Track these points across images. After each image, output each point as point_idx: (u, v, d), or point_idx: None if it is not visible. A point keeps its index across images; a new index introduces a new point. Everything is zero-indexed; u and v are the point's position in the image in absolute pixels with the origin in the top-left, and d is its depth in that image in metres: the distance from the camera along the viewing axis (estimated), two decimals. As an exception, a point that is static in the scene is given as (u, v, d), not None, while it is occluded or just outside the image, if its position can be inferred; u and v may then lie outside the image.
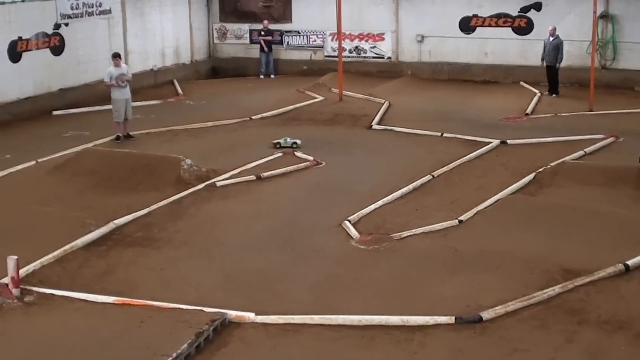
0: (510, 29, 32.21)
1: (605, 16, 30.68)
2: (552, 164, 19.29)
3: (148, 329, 11.37)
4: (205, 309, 11.93)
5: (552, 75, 29.22)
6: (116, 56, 23.48)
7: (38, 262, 13.73)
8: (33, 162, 20.31)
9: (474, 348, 11.03)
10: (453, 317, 11.67)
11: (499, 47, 32.30)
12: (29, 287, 12.78)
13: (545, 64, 29.35)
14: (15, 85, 25.79)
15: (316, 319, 11.84)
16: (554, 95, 29.06)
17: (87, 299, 12.54)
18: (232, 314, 11.88)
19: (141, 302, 12.32)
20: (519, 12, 31.93)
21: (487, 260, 13.91)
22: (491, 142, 21.96)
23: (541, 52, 29.42)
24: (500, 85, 31.54)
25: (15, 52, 25.79)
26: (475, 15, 32.56)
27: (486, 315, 11.77)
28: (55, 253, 14.16)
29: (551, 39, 28.98)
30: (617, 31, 30.82)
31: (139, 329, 11.38)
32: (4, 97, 25.43)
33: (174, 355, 10.54)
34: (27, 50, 26.22)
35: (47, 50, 27.13)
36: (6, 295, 12.44)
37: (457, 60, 32.96)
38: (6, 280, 12.62)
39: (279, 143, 21.38)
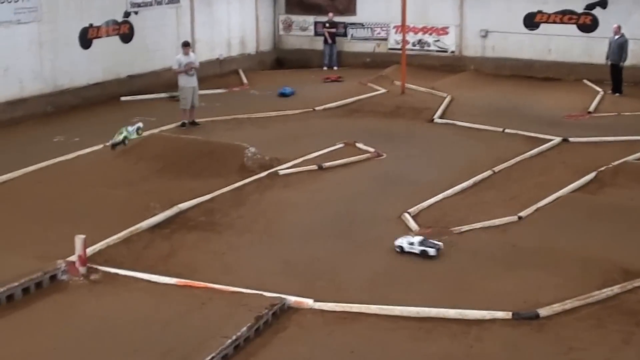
0: (575, 26, 31.85)
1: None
2: (614, 164, 19.04)
3: (209, 311, 11.54)
4: (265, 293, 12.06)
5: (615, 74, 28.84)
6: (185, 45, 23.79)
7: (104, 242, 13.98)
8: (101, 146, 20.54)
9: (530, 344, 11.02)
10: (510, 313, 11.66)
11: (562, 44, 31.95)
12: (95, 266, 13.03)
13: (609, 63, 29.05)
14: (86, 71, 26.15)
15: (373, 308, 11.90)
16: (617, 94, 28.65)
17: (151, 280, 12.77)
18: (291, 299, 12.01)
19: (203, 285, 12.49)
20: (584, 9, 31.57)
21: (546, 257, 13.84)
22: (553, 140, 21.75)
23: (606, 50, 29.05)
24: (563, 82, 31.06)
25: (86, 38, 26.22)
26: (540, 12, 32.28)
27: (543, 312, 11.74)
28: (121, 234, 14.41)
29: (616, 37, 28.58)
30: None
31: (200, 311, 11.55)
32: (75, 82, 25.80)
33: (234, 337, 10.69)
34: (97, 37, 26.66)
35: (117, 37, 27.54)
36: (73, 273, 12.73)
37: (520, 56, 32.69)
38: (74, 258, 12.87)
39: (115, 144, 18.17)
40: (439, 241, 14.38)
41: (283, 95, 28.41)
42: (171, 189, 17.17)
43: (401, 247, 14.17)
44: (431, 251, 13.97)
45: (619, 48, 28.47)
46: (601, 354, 10.73)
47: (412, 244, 14.10)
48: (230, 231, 15.21)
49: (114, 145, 15.62)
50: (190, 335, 10.77)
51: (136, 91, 27.60)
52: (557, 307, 11.89)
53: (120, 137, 17.15)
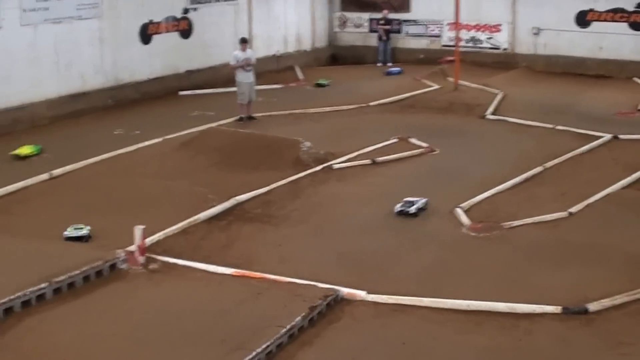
0: (626, 24, 31.57)
1: None
2: (664, 160, 18.94)
3: (264, 301, 11.67)
4: (319, 284, 12.19)
5: None
6: (243, 41, 24.04)
7: (163, 232, 14.20)
8: (160, 139, 20.83)
9: (579, 339, 11.05)
10: (560, 307, 11.66)
11: (614, 42, 31.65)
12: (153, 256, 13.26)
13: None
14: (145, 66, 26.53)
15: (425, 301, 11.97)
16: None
17: (208, 270, 12.94)
18: (345, 291, 12.12)
19: (258, 275, 12.63)
20: (635, 7, 31.31)
21: (595, 253, 13.85)
22: (603, 137, 21.63)
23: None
24: (613, 80, 30.80)
25: (146, 34, 26.60)
26: (591, 10, 32.04)
27: (592, 307, 11.72)
28: (179, 225, 14.62)
29: None
30: None
31: (256, 300, 11.69)
32: (135, 76, 26.19)
33: (289, 326, 10.82)
34: (157, 33, 27.00)
35: (176, 33, 27.86)
36: (132, 262, 12.95)
37: (571, 54, 32.42)
38: (133, 248, 13.10)
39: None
40: (490, 235, 14.72)
41: (390, 74, 30.34)
42: (228, 182, 17.36)
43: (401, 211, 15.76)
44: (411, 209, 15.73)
45: None
46: (650, 350, 10.67)
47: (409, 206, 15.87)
48: (285, 223, 15.39)
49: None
50: (246, 324, 10.90)
51: (194, 86, 27.90)
52: (606, 302, 11.87)
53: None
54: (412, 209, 15.89)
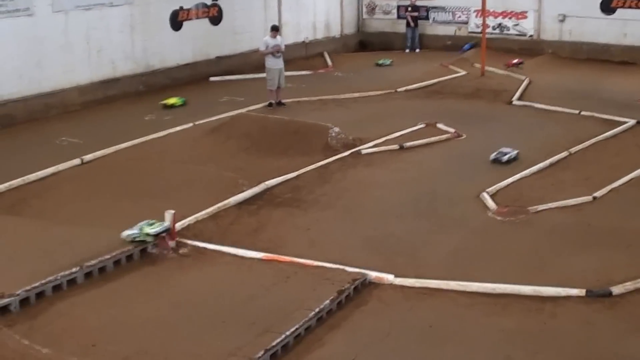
0: (650, 10, 31.63)
1: None
2: (688, 146, 18.93)
3: (293, 284, 11.80)
4: (347, 268, 12.30)
5: None
6: (274, 29, 24.08)
7: (193, 217, 14.31)
8: (190, 124, 20.99)
9: (603, 321, 11.10)
10: (584, 290, 11.73)
11: (638, 29, 31.56)
12: (184, 240, 13.37)
13: None
14: (176, 52, 26.71)
15: (452, 284, 12.07)
16: None
17: (238, 254, 13.06)
18: (373, 274, 12.24)
19: (288, 259, 12.75)
20: None
21: (619, 237, 13.92)
22: (627, 122, 21.67)
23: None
24: (638, 66, 30.70)
25: (176, 21, 26.77)
26: (615, -4, 32.25)
27: (616, 290, 11.80)
28: (209, 209, 14.74)
29: None
30: None
31: (285, 284, 11.83)
32: (165, 62, 26.39)
33: (317, 309, 10.96)
34: (187, 19, 27.17)
35: (206, 20, 28.01)
36: (163, 246, 13.05)
37: (596, 41, 32.38)
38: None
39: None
40: (515, 220, 14.83)
41: (464, 51, 31.33)
42: (258, 167, 17.49)
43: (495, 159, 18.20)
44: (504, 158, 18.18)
45: None
46: (672, 332, 10.72)
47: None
48: (314, 208, 15.51)
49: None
50: (275, 307, 11.03)
51: (225, 72, 28.05)
52: (629, 286, 11.94)
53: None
54: (504, 158, 18.10)
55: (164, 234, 13.05)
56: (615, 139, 20.49)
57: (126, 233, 12.89)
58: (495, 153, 18.35)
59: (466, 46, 32.78)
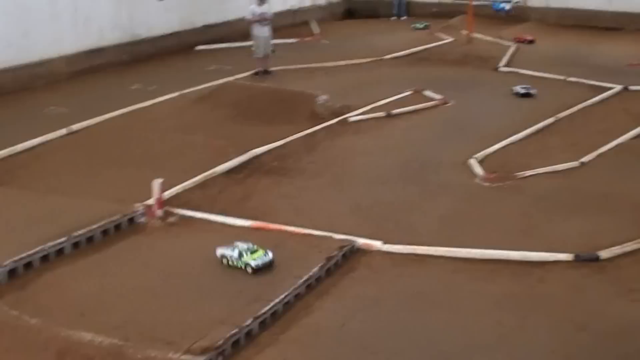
0: (639, -25, 31.57)
1: None
2: (674, 110, 18.99)
3: (282, 252, 11.70)
4: (335, 235, 12.29)
5: None
6: (260, -3, 24.08)
7: (180, 186, 14.25)
8: (177, 94, 20.85)
9: (591, 286, 11.17)
10: (572, 255, 11.81)
11: (624, -5, 31.70)
12: (171, 209, 13.35)
13: None
14: (162, 21, 26.46)
15: (440, 250, 12.12)
16: None
17: (226, 222, 13.04)
18: (361, 241, 12.25)
19: (276, 227, 12.73)
20: None
21: (607, 202, 14.00)
22: (614, 88, 21.74)
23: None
24: (625, 32, 30.63)
25: (162, -11, 26.53)
26: (603, -39, 32.16)
27: (604, 254, 11.88)
28: (197, 178, 14.70)
29: None
30: None
31: (273, 252, 11.66)
32: (151, 32, 26.14)
33: (306, 277, 10.99)
34: (174, -13, 26.89)
35: (191, -13, 27.77)
36: (151, 215, 13.09)
37: (583, 7, 32.27)
38: (151, 201, 13.23)
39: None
40: (503, 185, 14.94)
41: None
42: (245, 135, 17.42)
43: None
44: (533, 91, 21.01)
45: None
46: (660, 296, 10.80)
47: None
48: (302, 176, 15.49)
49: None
50: (264, 275, 11.06)
51: (211, 40, 27.83)
52: (617, 250, 12.02)
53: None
54: (522, 91, 20.81)
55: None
56: (602, 105, 20.54)
57: (222, 252, 11.55)
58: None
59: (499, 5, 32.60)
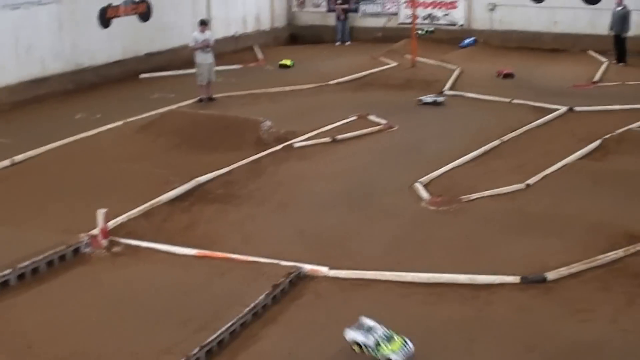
0: (580, -2, 32.11)
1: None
2: (619, 131, 19.25)
3: (228, 280, 11.75)
4: (281, 262, 12.29)
5: (619, 44, 29.03)
6: (203, 23, 24.09)
7: (125, 215, 14.20)
8: (121, 122, 20.78)
9: (538, 307, 11.24)
10: (519, 277, 11.86)
11: (568, 16, 32.01)
12: (116, 239, 13.28)
13: (612, 34, 29.10)
14: (105, 50, 26.40)
15: (387, 275, 12.12)
16: (621, 64, 28.87)
17: (171, 251, 12.98)
18: (307, 267, 12.24)
19: (222, 255, 12.72)
20: None
21: (553, 223, 14.06)
22: (559, 109, 21.96)
23: (609, 21, 29.12)
24: (568, 53, 31.16)
25: (105, 18, 26.49)
26: (546, -16, 32.62)
27: (551, 276, 11.95)
28: (142, 207, 14.64)
29: (618, 9, 28.75)
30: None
31: (220, 280, 11.78)
32: (94, 60, 26.06)
33: (252, 304, 10.96)
34: (116, 16, 26.89)
35: (135, 16, 27.76)
36: (96, 246, 12.97)
37: (527, 29, 32.77)
38: (96, 231, 13.11)
39: None
40: (449, 209, 14.90)
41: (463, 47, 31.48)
42: (190, 163, 17.37)
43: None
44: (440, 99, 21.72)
45: (622, 19, 28.64)
46: (606, 315, 10.94)
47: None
48: (247, 203, 15.44)
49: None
50: (211, 304, 11.01)
51: (154, 68, 27.79)
52: (563, 271, 12.10)
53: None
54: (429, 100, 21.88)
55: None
56: (547, 126, 20.77)
57: (353, 335, 10.10)
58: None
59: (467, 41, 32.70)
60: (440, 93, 22.79)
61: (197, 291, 11.55)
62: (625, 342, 10.35)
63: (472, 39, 32.40)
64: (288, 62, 29.84)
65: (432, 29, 31.28)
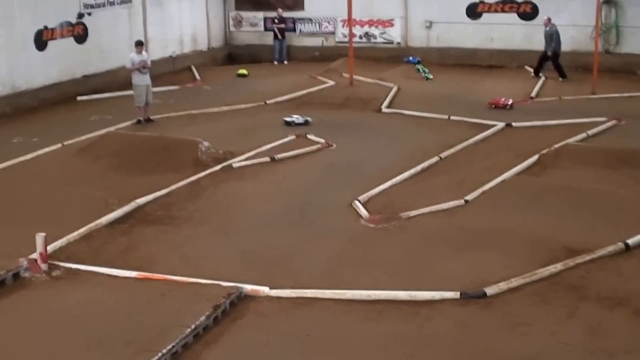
0: (515, 14, 32.58)
1: (608, 1, 30.98)
2: (556, 146, 19.51)
3: (169, 302, 11.66)
4: (222, 283, 12.22)
5: (554, 62, 29.66)
6: (139, 44, 24.02)
7: (65, 238, 14.08)
8: (59, 145, 20.66)
9: (478, 322, 11.28)
10: (458, 293, 11.90)
11: (504, 33, 32.59)
12: (56, 263, 13.14)
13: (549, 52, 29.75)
14: (42, 73, 26.22)
15: (327, 293, 12.10)
16: (560, 79, 29.52)
17: (111, 274, 12.83)
18: (248, 287, 12.18)
19: (162, 277, 12.60)
20: None
21: (492, 238, 14.15)
22: (497, 125, 22.27)
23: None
24: (505, 69, 31.72)
25: (41, 40, 26.29)
26: (481, 2, 33.01)
27: (490, 291, 12.00)
28: (81, 230, 14.50)
29: (546, 28, 29.46)
30: (620, 16, 31.20)
31: (160, 302, 11.68)
32: (31, 83, 25.87)
33: (193, 326, 10.87)
34: (52, 39, 26.71)
35: (71, 38, 27.62)
36: (35, 270, 12.80)
37: (464, 46, 33.27)
38: (35, 256, 12.95)
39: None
40: (388, 226, 14.97)
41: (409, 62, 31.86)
42: (129, 185, 17.26)
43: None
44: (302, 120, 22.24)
45: (550, 38, 29.34)
46: (546, 328, 11.01)
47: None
48: (187, 224, 15.37)
49: None
50: (151, 326, 10.91)
51: (92, 90, 27.66)
52: (503, 286, 12.15)
53: None
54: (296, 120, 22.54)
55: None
56: (485, 142, 21.04)
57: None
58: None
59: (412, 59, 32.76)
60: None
61: (138, 313, 11.44)
62: (565, 355, 10.44)
63: (416, 59, 32.57)
64: (244, 71, 30.66)
65: (431, 76, 30.82)
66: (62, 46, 27.12)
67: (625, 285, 12.35)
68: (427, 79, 30.09)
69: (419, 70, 30.50)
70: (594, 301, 11.83)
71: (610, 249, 13.51)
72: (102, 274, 12.93)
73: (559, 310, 11.57)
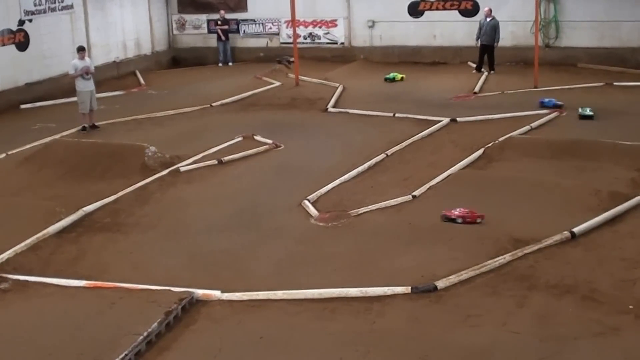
0: (457, 11, 32.93)
1: (547, -3, 31.41)
2: (500, 139, 19.78)
3: (119, 310, 11.59)
4: (173, 288, 12.16)
5: (489, 54, 30.13)
6: (80, 50, 23.82)
7: (12, 250, 13.95)
8: (3, 155, 20.52)
9: (430, 315, 11.35)
10: (409, 287, 11.96)
11: (446, 30, 33.04)
12: (3, 275, 13.00)
13: (480, 43, 30.18)
14: (-18, 82, 25.92)
15: (279, 294, 12.12)
16: (492, 72, 30.05)
17: (60, 284, 12.73)
18: (199, 292, 12.14)
19: (112, 285, 12.52)
20: None
21: (440, 232, 14.28)
22: (441, 121, 22.47)
23: (476, 32, 30.28)
24: (449, 65, 32.12)
25: (-19, 49, 25.96)
26: (423, 0, 33.23)
27: (440, 284, 12.08)
28: (28, 241, 14.36)
29: (488, 19, 29.83)
30: (559, 11, 31.76)
31: (111, 310, 11.59)
32: (-28, 93, 25.54)
33: (145, 333, 10.80)
34: (-8, 47, 26.38)
35: (13, 46, 27.34)
36: None
37: (407, 44, 33.65)
38: None
39: None
40: (338, 224, 15.04)
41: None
42: (75, 193, 17.15)
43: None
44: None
45: (493, 30, 29.74)
46: (497, 319, 11.12)
47: None
48: (136, 230, 15.31)
49: None
50: (103, 335, 10.84)
51: (36, 98, 27.47)
52: (453, 279, 12.25)
53: None
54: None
55: None
56: (431, 138, 21.17)
57: None
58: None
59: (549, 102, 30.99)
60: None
61: (89, 323, 11.34)
62: (516, 344, 10.53)
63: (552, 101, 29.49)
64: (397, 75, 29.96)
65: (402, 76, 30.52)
66: (3, 54, 26.86)
67: (572, 272, 12.52)
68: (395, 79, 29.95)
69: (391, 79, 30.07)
70: (542, 290, 11.97)
71: (557, 238, 13.72)
72: (52, 285, 12.81)
73: (509, 301, 11.67)
